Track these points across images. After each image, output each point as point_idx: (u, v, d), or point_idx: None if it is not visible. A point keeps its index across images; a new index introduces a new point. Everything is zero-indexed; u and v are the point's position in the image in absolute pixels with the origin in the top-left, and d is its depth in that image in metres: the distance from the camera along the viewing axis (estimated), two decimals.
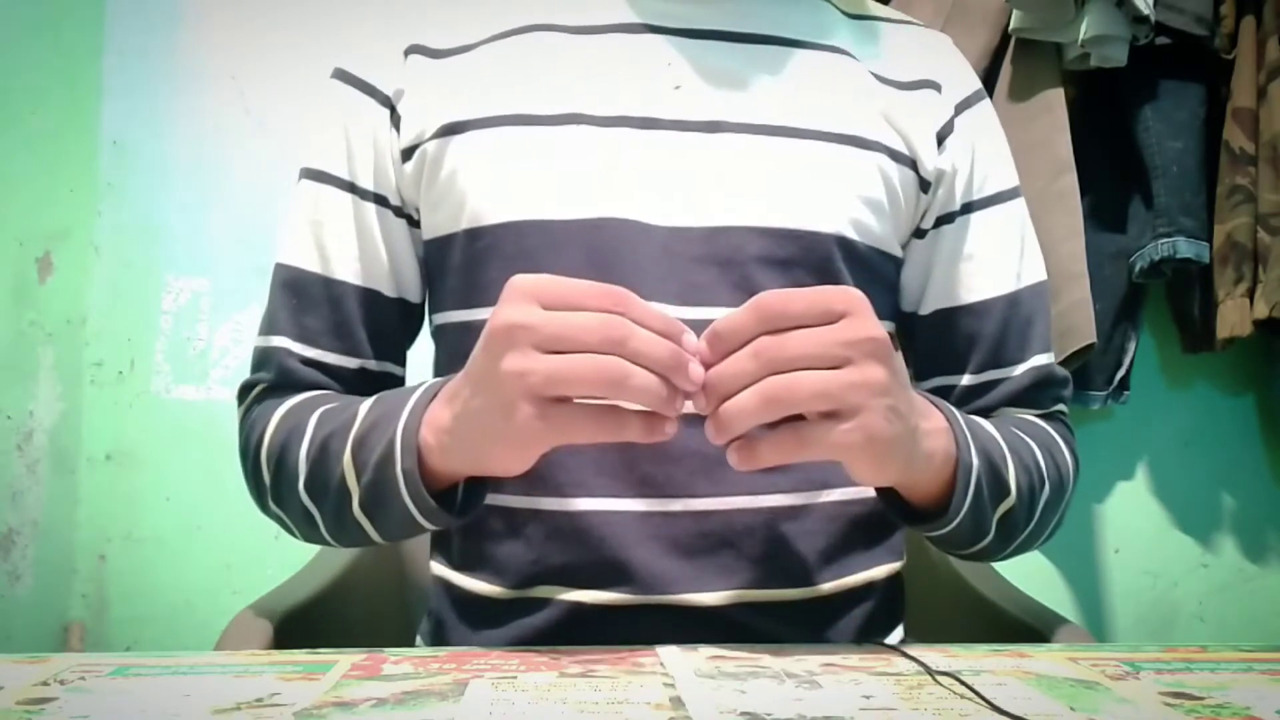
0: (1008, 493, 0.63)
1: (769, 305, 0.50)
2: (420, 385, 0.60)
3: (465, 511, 0.59)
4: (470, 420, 0.53)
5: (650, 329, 0.50)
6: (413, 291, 0.74)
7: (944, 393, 0.76)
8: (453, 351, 0.72)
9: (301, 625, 0.75)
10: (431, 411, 0.56)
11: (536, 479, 0.66)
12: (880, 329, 0.51)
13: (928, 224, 0.74)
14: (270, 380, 0.71)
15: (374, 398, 0.62)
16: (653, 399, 0.50)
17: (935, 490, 0.59)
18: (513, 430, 0.51)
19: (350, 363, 0.72)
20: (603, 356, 0.49)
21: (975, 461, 0.60)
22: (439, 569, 0.73)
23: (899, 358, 0.53)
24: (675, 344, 0.50)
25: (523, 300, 0.50)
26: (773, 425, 0.51)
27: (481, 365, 0.52)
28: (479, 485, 0.59)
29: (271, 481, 0.66)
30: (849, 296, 0.51)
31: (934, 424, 0.58)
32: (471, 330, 0.69)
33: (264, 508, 0.69)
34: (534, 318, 0.50)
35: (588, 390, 0.49)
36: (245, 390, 0.73)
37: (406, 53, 0.71)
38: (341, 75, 0.72)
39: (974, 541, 0.64)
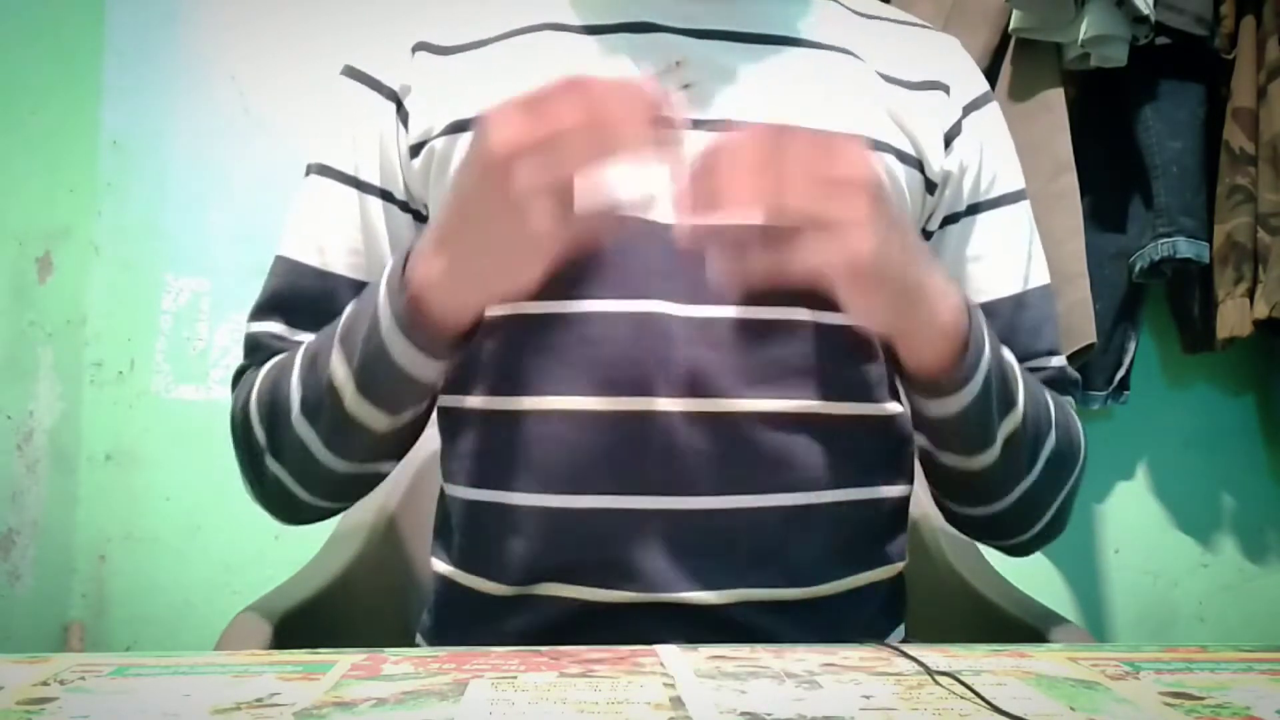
0: (1014, 404, 0.64)
1: (769, 135, 0.54)
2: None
3: (464, 343, 0.62)
4: (474, 240, 0.56)
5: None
6: None
7: None
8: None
9: (301, 625, 0.75)
10: (418, 254, 0.58)
11: (538, 475, 0.66)
12: (874, 171, 0.54)
13: (933, 225, 0.74)
14: (260, 364, 0.71)
15: (354, 299, 0.64)
16: (636, 114, 0.51)
17: (942, 365, 0.60)
18: (529, 229, 0.53)
19: None
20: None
21: (987, 349, 0.61)
22: (439, 566, 0.73)
23: (900, 207, 0.57)
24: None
25: (502, 126, 0.52)
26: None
27: (480, 185, 0.54)
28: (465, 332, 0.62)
29: (266, 433, 0.68)
30: (851, 144, 0.55)
31: (946, 290, 0.60)
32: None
33: (260, 477, 0.70)
34: (519, 133, 0.51)
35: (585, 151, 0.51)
36: (237, 376, 0.74)
37: (413, 50, 0.71)
38: (349, 72, 0.73)
39: (979, 448, 0.65)
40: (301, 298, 0.71)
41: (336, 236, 0.71)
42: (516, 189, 0.52)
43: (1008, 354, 0.65)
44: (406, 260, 0.59)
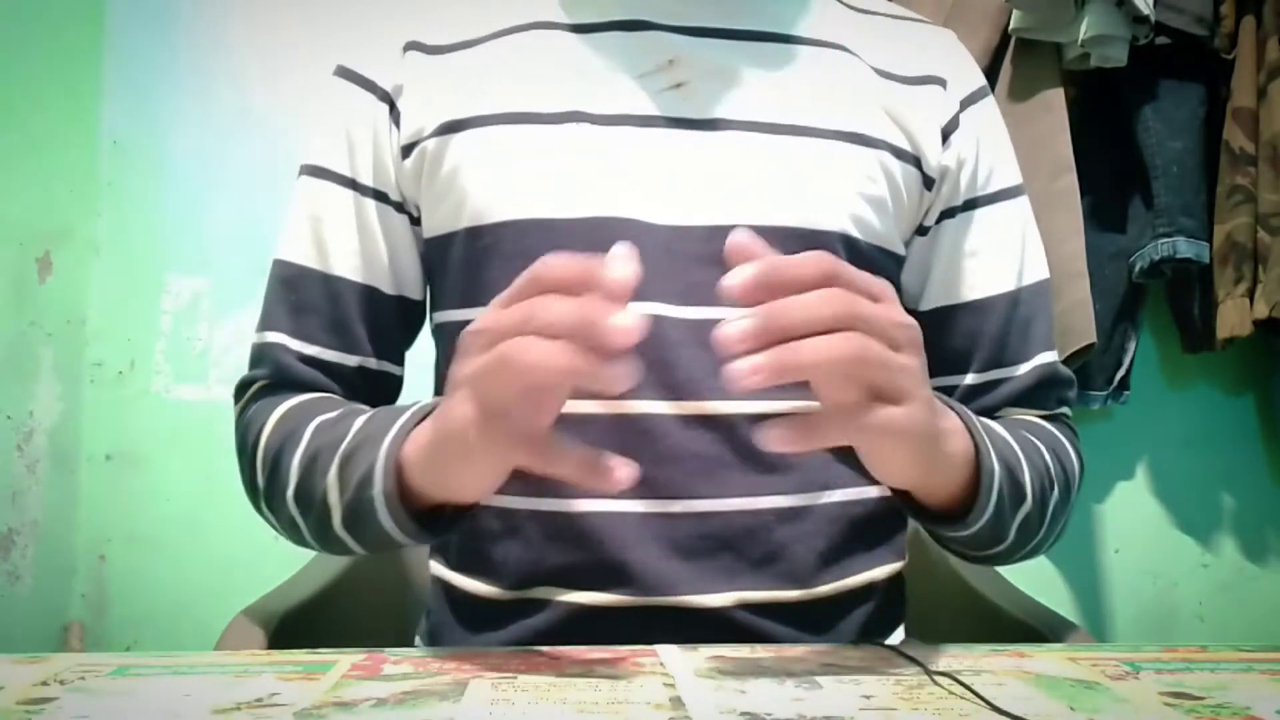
0: (1024, 498, 0.62)
1: (830, 264, 0.47)
2: (414, 404, 0.59)
3: (447, 530, 0.58)
4: (440, 439, 0.53)
5: (565, 286, 0.46)
6: (413, 289, 0.74)
7: (946, 393, 0.75)
8: (452, 350, 0.72)
9: (301, 625, 0.75)
10: (418, 430, 0.56)
11: (534, 479, 0.66)
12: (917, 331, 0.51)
13: (930, 220, 0.74)
14: (267, 377, 0.71)
15: (368, 414, 0.61)
16: (556, 370, 0.45)
17: (953, 493, 0.58)
18: (461, 445, 0.50)
19: (350, 360, 0.72)
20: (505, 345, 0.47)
21: (996, 466, 0.58)
22: (438, 570, 0.73)
23: None
24: (592, 288, 0.46)
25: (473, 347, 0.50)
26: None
27: (459, 408, 0.51)
28: (463, 507, 0.58)
29: (265, 485, 0.66)
30: (885, 286, 0.50)
31: (952, 424, 0.56)
32: None
33: (257, 507, 0.69)
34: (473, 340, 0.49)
35: (498, 382, 0.47)
36: (243, 387, 0.73)
37: (404, 49, 0.71)
38: (342, 72, 0.73)
39: (990, 546, 0.63)
40: (307, 305, 0.71)
41: (337, 239, 0.71)
42: (492, 417, 0.49)
43: (1005, 438, 0.63)
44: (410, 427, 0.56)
